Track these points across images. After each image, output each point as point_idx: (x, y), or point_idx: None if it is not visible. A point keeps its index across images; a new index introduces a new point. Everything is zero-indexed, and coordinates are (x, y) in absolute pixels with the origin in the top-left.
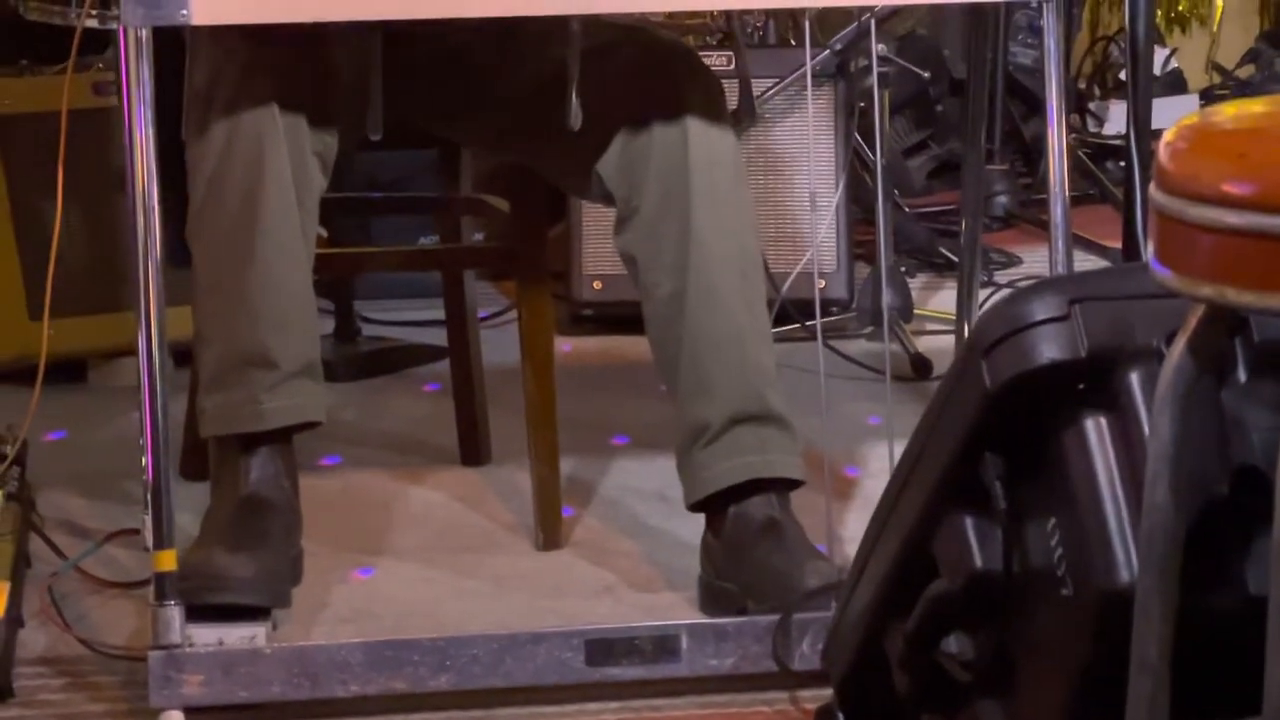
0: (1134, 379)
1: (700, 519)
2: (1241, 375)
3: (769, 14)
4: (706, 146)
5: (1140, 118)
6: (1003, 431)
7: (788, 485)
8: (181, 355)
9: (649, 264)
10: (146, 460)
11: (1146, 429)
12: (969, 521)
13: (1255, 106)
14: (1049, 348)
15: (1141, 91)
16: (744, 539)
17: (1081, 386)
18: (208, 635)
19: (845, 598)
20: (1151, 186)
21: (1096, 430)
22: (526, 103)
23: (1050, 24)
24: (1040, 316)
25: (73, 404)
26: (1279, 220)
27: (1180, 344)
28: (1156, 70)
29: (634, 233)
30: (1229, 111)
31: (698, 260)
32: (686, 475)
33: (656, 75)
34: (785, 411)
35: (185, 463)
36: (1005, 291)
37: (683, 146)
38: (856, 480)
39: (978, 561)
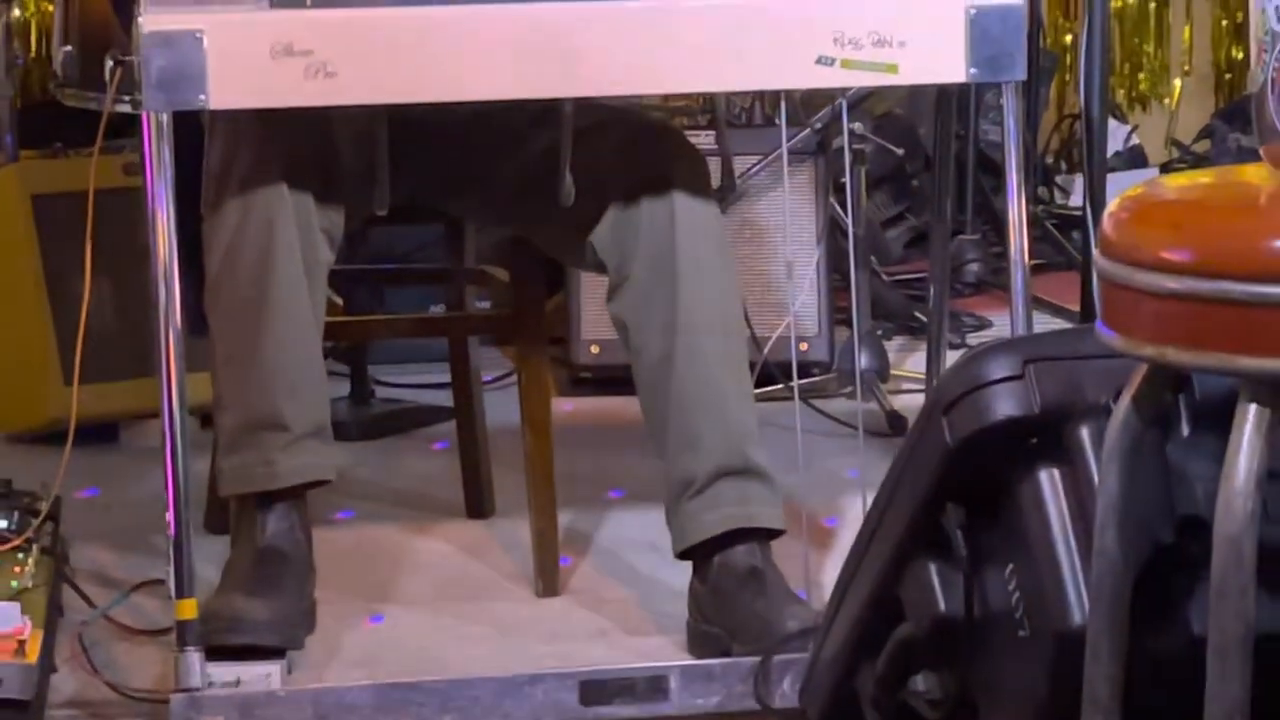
0: (1084, 433)
1: (688, 567)
2: (1184, 429)
3: (755, 95)
4: (692, 220)
5: (1096, 190)
6: (963, 484)
7: (769, 535)
8: (206, 417)
9: (639, 329)
10: (170, 516)
11: (1096, 480)
12: (933, 568)
13: (1198, 179)
14: (1005, 405)
15: (1096, 166)
16: (728, 585)
17: (1035, 441)
18: (226, 673)
19: (820, 640)
20: (1096, 254)
21: (1050, 482)
22: (523, 180)
23: (1009, 104)
24: (996, 376)
25: (103, 463)
26: (1214, 284)
27: (1126, 401)
28: (1120, 146)
29: (625, 300)
30: (1170, 184)
31: (684, 325)
32: (675, 525)
33: (645, 154)
34: (766, 466)
35: (209, 517)
36: (969, 352)
37: (670, 220)
38: (835, 530)
39: (941, 605)
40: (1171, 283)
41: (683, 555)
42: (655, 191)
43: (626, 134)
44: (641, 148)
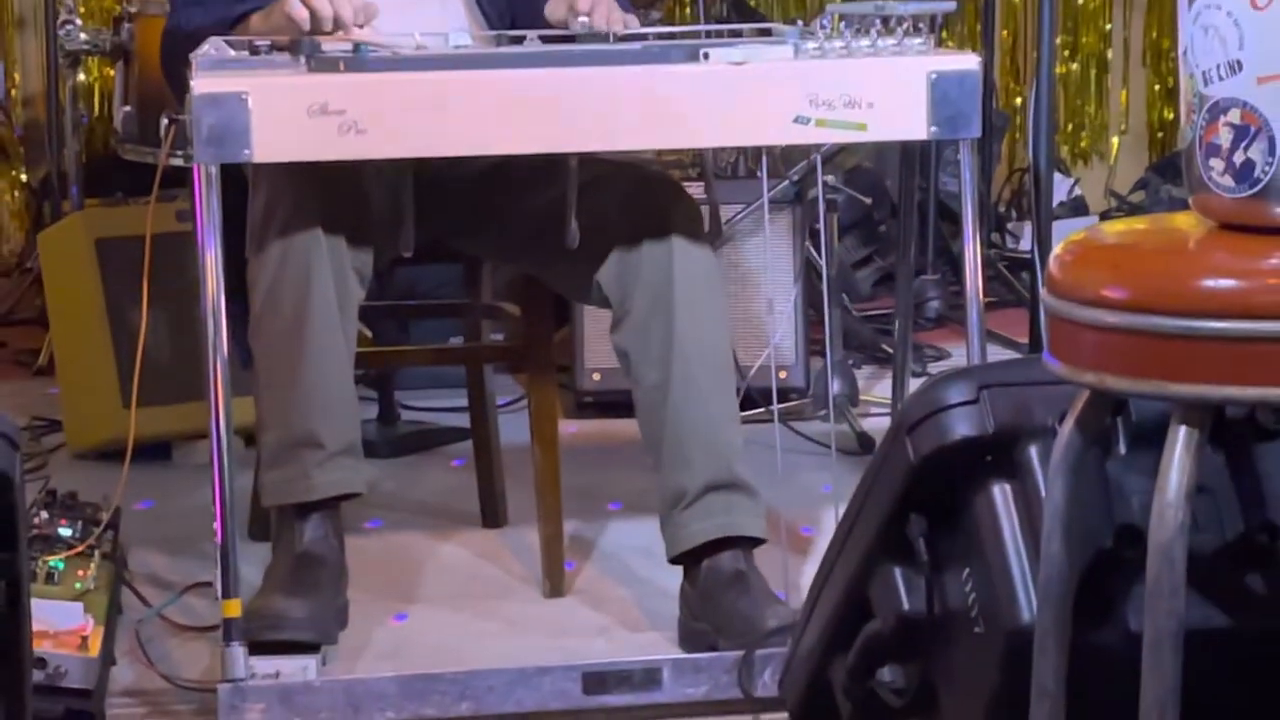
0: (1033, 452)
1: (680, 570)
2: (1122, 448)
3: (739, 150)
4: (687, 261)
5: (1043, 235)
6: (925, 496)
7: (752, 542)
8: (250, 437)
9: (638, 358)
10: (217, 525)
11: (1043, 493)
12: (898, 571)
13: (1134, 225)
14: (962, 427)
15: (1043, 214)
16: (715, 587)
17: (989, 459)
18: (267, 666)
19: (798, 636)
20: (1043, 292)
21: (1002, 495)
22: (534, 225)
23: (966, 159)
24: (954, 401)
25: (158, 478)
26: (1149, 319)
27: (1070, 423)
28: (1063, 196)
29: (626, 332)
30: (1109, 230)
31: (679, 356)
32: (668, 534)
33: (646, 202)
34: (750, 480)
35: (252, 526)
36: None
37: (668, 261)
38: (811, 538)
39: (905, 605)
40: (1110, 317)
41: (675, 560)
42: (655, 235)
43: (629, 184)
44: (643, 197)
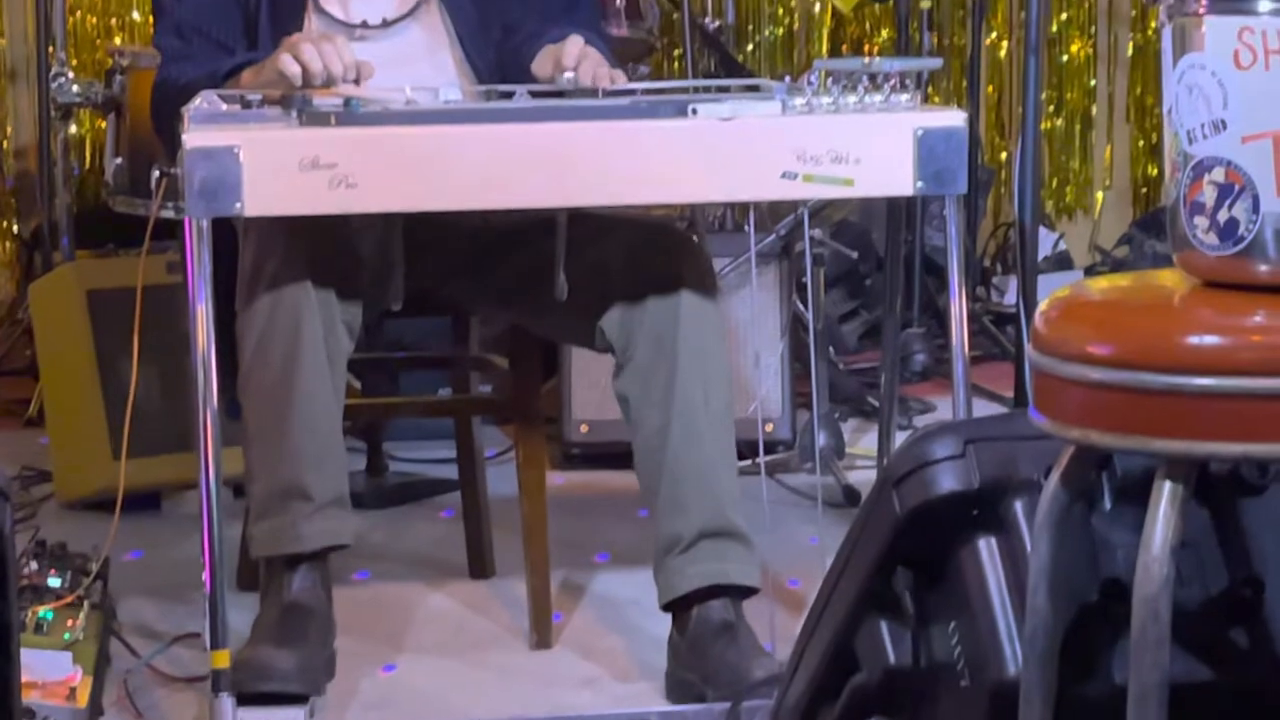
0: (1018, 506)
1: (667, 620)
2: (1107, 503)
3: (727, 205)
4: (695, 310)
5: (1028, 290)
6: (911, 550)
7: (744, 592)
8: (239, 488)
9: (639, 403)
10: (205, 575)
11: (1029, 548)
12: (884, 624)
13: (1118, 282)
14: (948, 481)
15: (1028, 268)
16: (703, 637)
17: (975, 513)
18: (255, 717)
19: (784, 688)
20: (1029, 347)
21: (988, 549)
22: (524, 277)
23: (952, 214)
24: (941, 455)
25: (148, 529)
26: (1133, 375)
27: (1055, 478)
28: (1048, 251)
29: (628, 378)
30: (1094, 286)
31: (680, 402)
32: (660, 579)
33: (654, 251)
34: (745, 529)
35: (241, 577)
36: (916, 433)
37: (675, 308)
38: (797, 591)
39: (892, 658)
40: (1095, 374)
41: (666, 607)
42: (662, 284)
43: (635, 234)
44: (650, 246)
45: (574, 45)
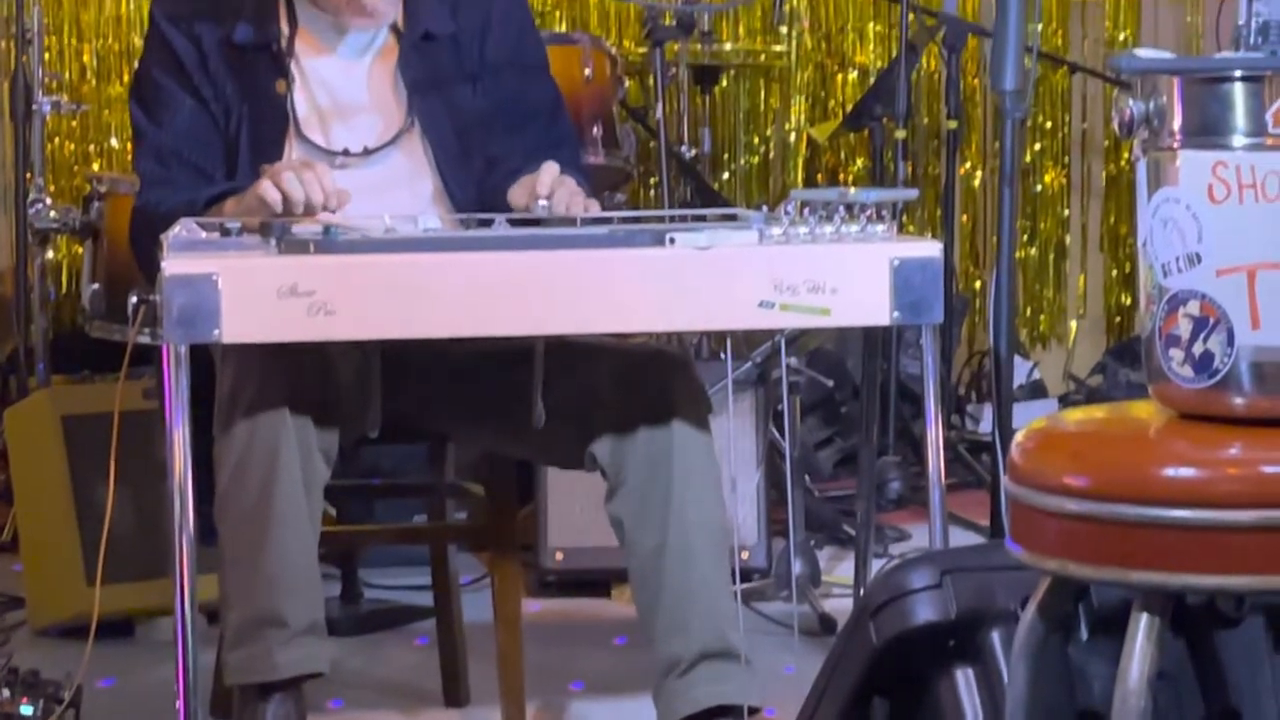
0: (995, 637)
1: None
2: (1084, 634)
3: (703, 332)
4: (688, 432)
5: (1003, 418)
6: (888, 680)
7: (745, 713)
8: (213, 614)
9: (634, 525)
10: (179, 704)
11: (1006, 678)
12: None
13: (1094, 413)
14: (925, 611)
15: (1004, 396)
16: None
17: (952, 643)
18: None
19: None
20: (1005, 478)
21: (965, 679)
22: (502, 404)
23: (928, 343)
24: (917, 585)
25: (121, 656)
26: (1110, 507)
27: (1032, 608)
28: (1022, 379)
29: (622, 500)
30: (1070, 418)
31: (676, 521)
32: (660, 703)
33: (647, 375)
34: (743, 650)
35: (215, 704)
36: (893, 562)
37: (668, 432)
38: None
39: None
40: (1072, 505)
41: None
42: (655, 406)
43: (623, 359)
44: (641, 370)
45: (548, 173)
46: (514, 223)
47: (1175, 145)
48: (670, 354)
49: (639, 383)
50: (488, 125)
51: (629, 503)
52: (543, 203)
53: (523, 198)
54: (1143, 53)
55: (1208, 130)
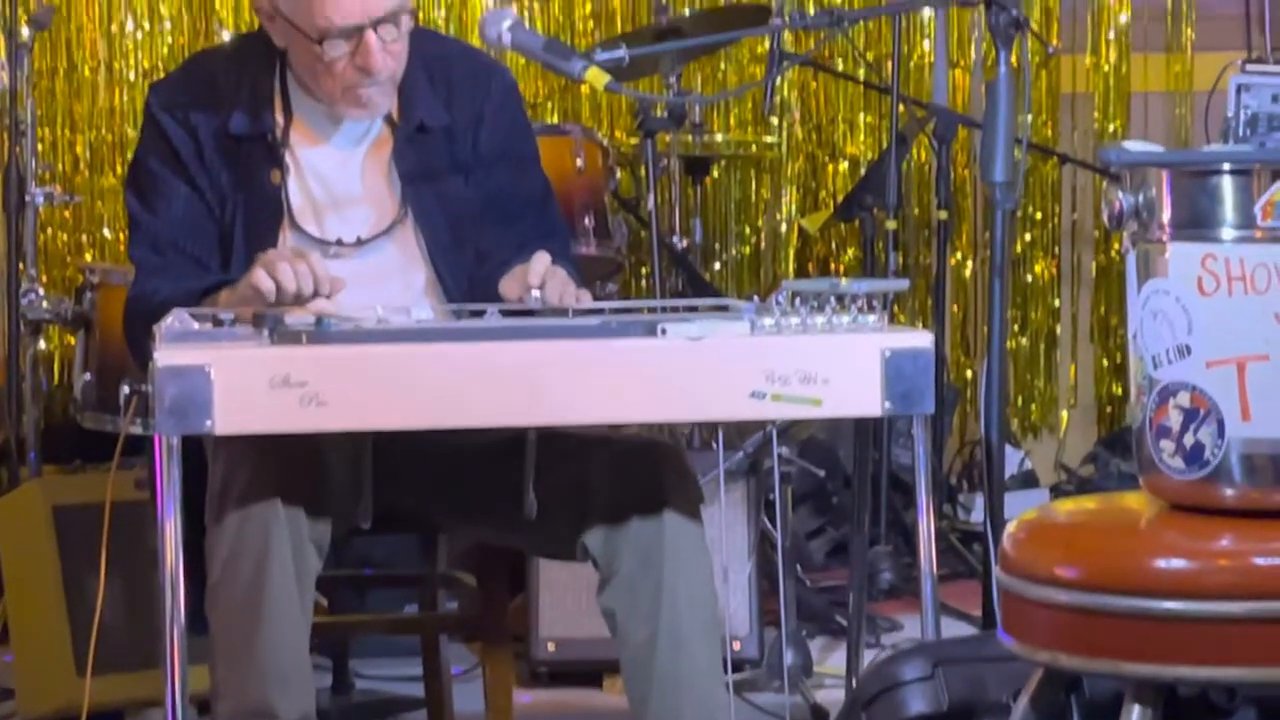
0: None
1: None
2: None
3: (694, 424)
4: (679, 524)
5: (995, 508)
6: None
7: None
8: (204, 705)
9: (626, 616)
10: None
11: None
12: None
13: (1085, 504)
14: (917, 702)
15: (995, 486)
16: None
17: None
18: None
19: None
20: (997, 569)
21: None
22: (494, 495)
23: (919, 434)
24: (909, 677)
25: None
26: (1101, 598)
27: (1024, 700)
28: (1013, 469)
29: (614, 591)
30: (1061, 508)
31: (668, 611)
32: None
33: (639, 467)
34: None
35: None
36: (885, 653)
37: (659, 521)
38: None
39: None
40: (1063, 596)
41: None
42: (647, 498)
43: (616, 451)
44: (633, 462)
45: (540, 263)
46: (506, 313)
47: (1165, 238)
48: (661, 445)
49: (631, 473)
50: (480, 217)
51: (620, 595)
52: (535, 293)
53: (515, 289)
54: (1132, 145)
55: (1197, 223)
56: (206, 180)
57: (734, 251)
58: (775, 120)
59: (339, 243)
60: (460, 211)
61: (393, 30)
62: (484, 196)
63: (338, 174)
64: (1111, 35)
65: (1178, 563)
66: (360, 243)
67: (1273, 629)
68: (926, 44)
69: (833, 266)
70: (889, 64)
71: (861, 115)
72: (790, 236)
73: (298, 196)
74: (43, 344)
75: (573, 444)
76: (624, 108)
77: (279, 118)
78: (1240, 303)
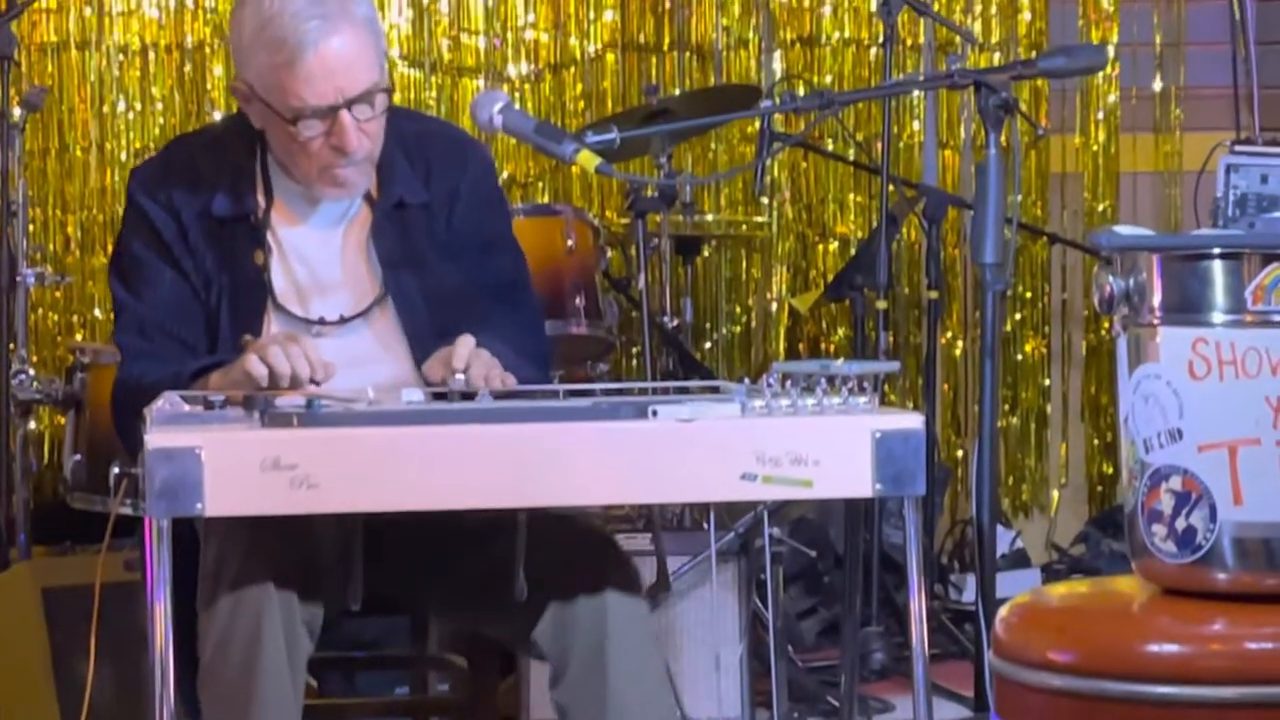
0: None
1: None
2: None
3: (685, 504)
4: (622, 618)
5: (986, 587)
6: None
7: None
8: None
9: (576, 713)
10: None
11: None
12: None
13: (1077, 588)
14: None
15: (986, 566)
16: None
17: None
18: None
19: None
20: (989, 653)
21: None
22: (481, 579)
23: (910, 515)
24: None
25: None
26: (1094, 683)
27: None
28: (1005, 548)
29: (564, 688)
30: (1054, 592)
31: (614, 706)
32: None
33: (581, 561)
34: None
35: None
36: None
37: (602, 621)
38: None
39: None
40: (1056, 680)
41: None
42: (590, 595)
43: (565, 541)
44: (579, 555)
45: (464, 346)
46: (499, 396)
47: (1155, 322)
48: (604, 538)
49: (578, 567)
50: (458, 296)
51: (570, 694)
52: (459, 376)
53: (438, 371)
54: (1122, 229)
55: (1187, 307)
56: (191, 263)
57: (725, 331)
58: (766, 200)
59: (321, 321)
60: (438, 291)
61: (367, 109)
62: (459, 273)
63: (318, 254)
64: (1100, 115)
65: (1171, 648)
66: (343, 320)
67: (1266, 714)
68: (916, 124)
69: (823, 346)
70: (879, 144)
71: (852, 195)
72: (781, 316)
73: (280, 278)
74: (33, 424)
75: (538, 530)
76: (615, 188)
77: (260, 199)
78: (1231, 387)
